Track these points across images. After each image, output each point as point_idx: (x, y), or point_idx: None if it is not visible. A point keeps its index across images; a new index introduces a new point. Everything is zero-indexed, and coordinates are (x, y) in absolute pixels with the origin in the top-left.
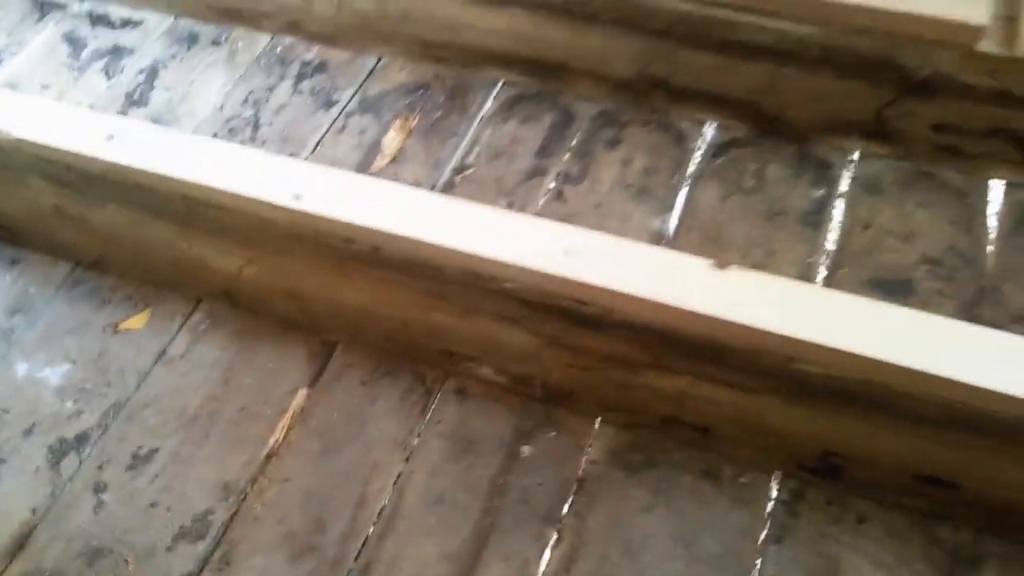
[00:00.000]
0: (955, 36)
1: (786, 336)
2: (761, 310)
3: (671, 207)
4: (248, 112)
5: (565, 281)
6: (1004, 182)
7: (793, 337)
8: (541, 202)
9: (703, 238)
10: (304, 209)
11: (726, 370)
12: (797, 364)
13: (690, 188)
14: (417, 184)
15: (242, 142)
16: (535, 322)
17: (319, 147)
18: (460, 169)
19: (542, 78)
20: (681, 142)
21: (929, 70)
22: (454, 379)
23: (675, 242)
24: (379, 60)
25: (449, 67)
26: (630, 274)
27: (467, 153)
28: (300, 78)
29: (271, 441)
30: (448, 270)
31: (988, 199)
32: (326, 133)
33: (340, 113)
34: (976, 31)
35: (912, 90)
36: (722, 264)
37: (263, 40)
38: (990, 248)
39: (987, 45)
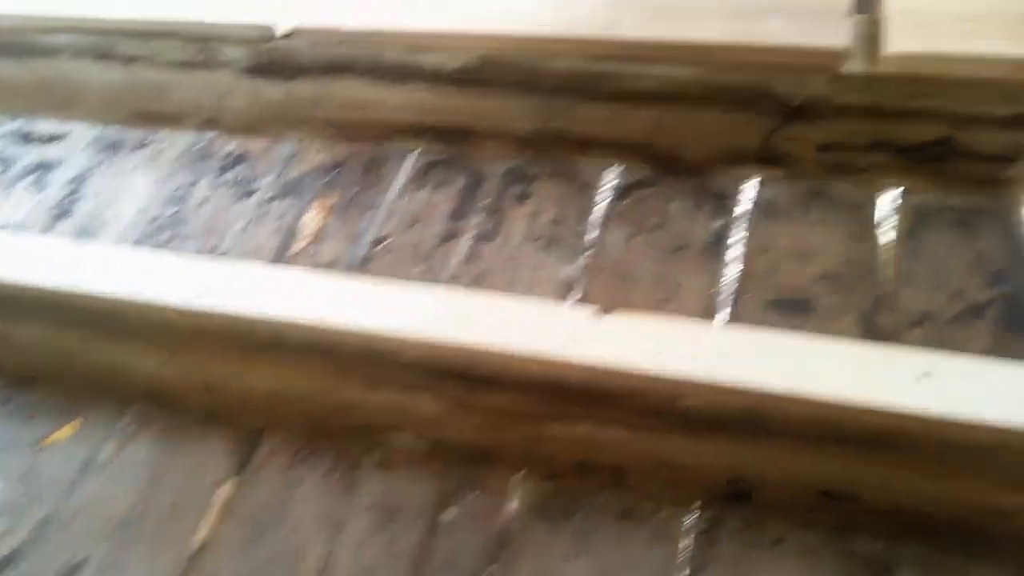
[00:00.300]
0: (821, 62)
1: (666, 376)
2: (640, 353)
3: (580, 253)
4: (172, 210)
5: (455, 347)
6: (894, 191)
7: (672, 376)
8: (457, 263)
9: (612, 279)
10: (205, 307)
11: (621, 413)
12: (682, 401)
13: (597, 232)
14: (336, 259)
15: (167, 240)
16: (438, 387)
17: (241, 236)
18: (378, 241)
19: (450, 144)
20: (586, 189)
21: (804, 96)
22: (376, 451)
23: (586, 286)
24: (296, 144)
25: (362, 144)
26: (515, 331)
27: (384, 224)
28: (221, 171)
29: (200, 535)
30: (347, 349)
31: (880, 209)
32: (248, 221)
33: (260, 200)
34: (839, 55)
35: (792, 116)
36: (602, 311)
37: (185, 139)
38: (885, 256)
39: (852, 66)
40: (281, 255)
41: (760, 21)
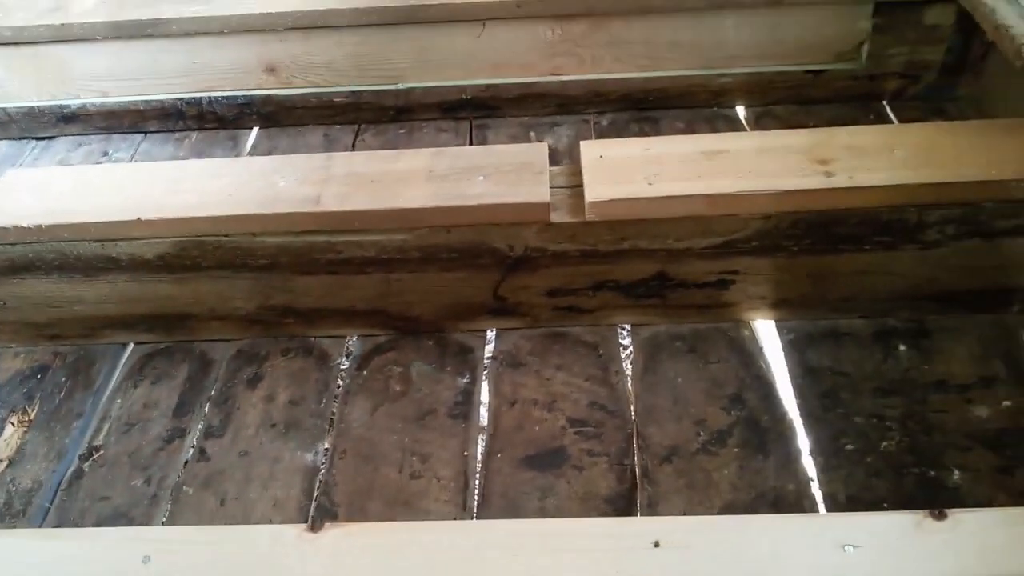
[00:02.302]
0: (526, 215)
1: None
2: (362, 569)
3: (322, 435)
4: None
5: None
6: (627, 326)
7: None
8: (183, 468)
9: (357, 459)
10: None
11: None
12: None
13: (338, 409)
14: (39, 482)
15: None
16: None
17: None
18: (88, 454)
19: (169, 331)
20: (325, 361)
21: (520, 247)
22: None
23: (329, 473)
24: None
25: (68, 342)
26: (217, 566)
27: (96, 433)
28: None
29: None
30: None
31: (617, 345)
32: None
33: None
34: (543, 208)
35: (513, 267)
36: (314, 527)
37: None
38: (628, 393)
39: (559, 216)
40: None
41: (465, 182)
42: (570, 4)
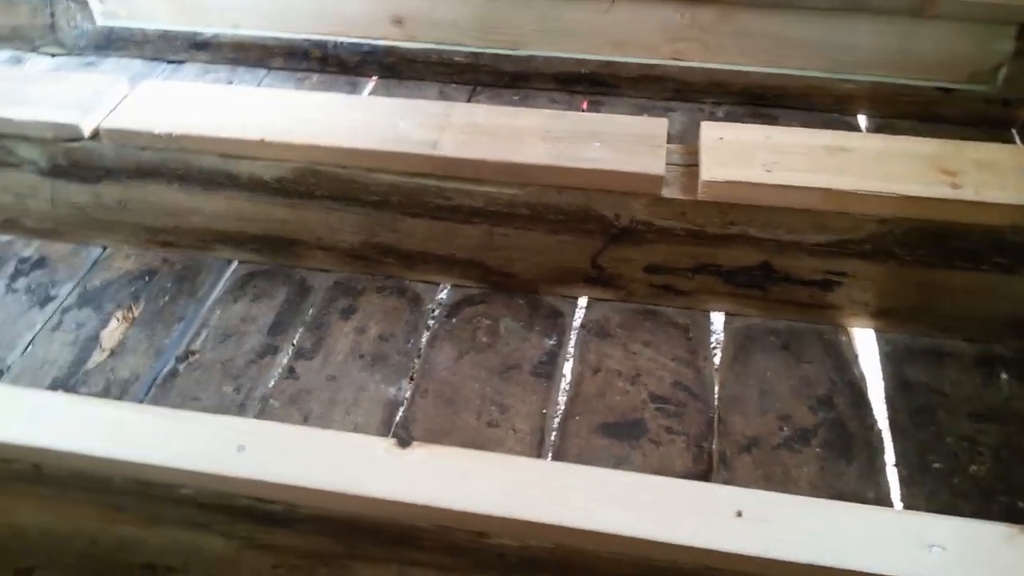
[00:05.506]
0: (639, 186)
1: (468, 511)
2: (443, 488)
3: (406, 372)
4: None
5: (241, 480)
6: (721, 313)
7: (479, 513)
8: (272, 382)
9: (438, 400)
10: None
11: (426, 553)
12: (490, 539)
13: (425, 350)
14: (136, 375)
15: None
16: (224, 524)
17: (30, 347)
18: (184, 356)
19: (274, 254)
20: (417, 305)
21: (627, 218)
22: None
23: (410, 408)
24: (104, 250)
25: (178, 251)
26: (307, 464)
27: (194, 338)
28: (15, 276)
29: None
30: (117, 481)
31: (708, 331)
32: (39, 332)
33: (57, 309)
34: (656, 180)
35: (617, 237)
36: (403, 443)
37: None
38: (714, 379)
39: (670, 192)
40: (75, 370)
41: (581, 145)
42: None
